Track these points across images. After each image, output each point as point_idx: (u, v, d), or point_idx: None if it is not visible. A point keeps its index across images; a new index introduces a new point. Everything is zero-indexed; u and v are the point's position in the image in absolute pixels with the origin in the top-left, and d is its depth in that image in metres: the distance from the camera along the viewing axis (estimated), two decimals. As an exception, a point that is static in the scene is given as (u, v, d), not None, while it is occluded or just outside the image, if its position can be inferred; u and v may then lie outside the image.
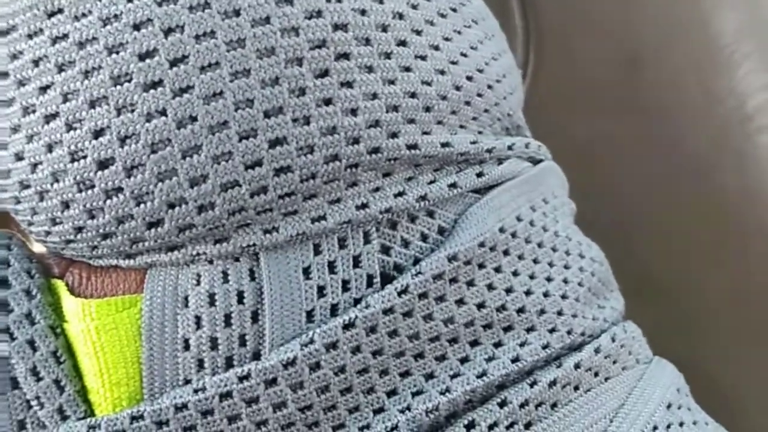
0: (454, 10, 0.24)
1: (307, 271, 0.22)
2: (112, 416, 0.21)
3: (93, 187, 0.20)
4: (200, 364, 0.21)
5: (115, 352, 0.21)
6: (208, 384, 0.21)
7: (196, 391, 0.21)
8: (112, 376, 0.21)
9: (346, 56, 0.21)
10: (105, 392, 0.21)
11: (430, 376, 0.22)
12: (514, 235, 0.24)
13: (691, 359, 0.37)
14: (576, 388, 0.24)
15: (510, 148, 0.25)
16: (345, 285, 0.22)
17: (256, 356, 0.21)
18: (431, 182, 0.23)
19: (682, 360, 0.37)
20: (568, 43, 0.37)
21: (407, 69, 0.22)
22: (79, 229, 0.21)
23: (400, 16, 0.23)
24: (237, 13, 0.20)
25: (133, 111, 0.20)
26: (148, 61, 0.20)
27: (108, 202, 0.20)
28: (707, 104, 0.35)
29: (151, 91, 0.20)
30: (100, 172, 0.20)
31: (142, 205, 0.20)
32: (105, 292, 0.22)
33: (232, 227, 0.21)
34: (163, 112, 0.20)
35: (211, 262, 0.21)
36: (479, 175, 0.24)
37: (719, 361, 0.36)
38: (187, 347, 0.21)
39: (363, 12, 0.22)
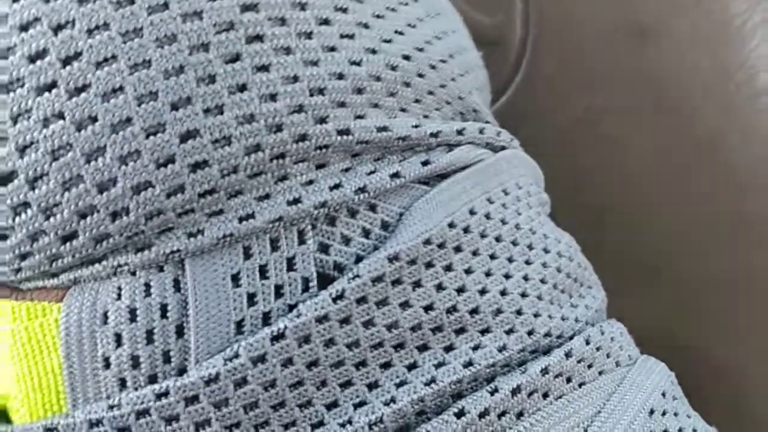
0: None
1: (236, 278, 0.20)
2: (27, 425, 0.20)
3: None
4: (122, 383, 0.20)
5: (30, 358, 0.20)
6: (124, 400, 0.20)
7: (111, 407, 0.20)
8: (30, 382, 0.20)
9: (259, 38, 0.20)
10: (23, 398, 0.20)
11: (373, 386, 0.21)
12: (466, 229, 0.22)
13: (697, 341, 0.34)
14: (545, 396, 0.22)
15: (460, 132, 0.23)
16: (278, 291, 0.20)
17: (182, 373, 0.20)
18: (371, 173, 0.21)
19: (687, 341, 0.34)
20: (571, 14, 0.34)
21: (332, 49, 0.21)
22: None
23: None
24: (132, 1, 0.19)
25: (29, 117, 0.19)
26: (39, 62, 0.19)
27: (17, 219, 0.19)
28: (714, 78, 0.32)
29: (45, 94, 0.19)
30: (3, 188, 0.19)
31: (52, 219, 0.19)
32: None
33: (152, 233, 0.20)
34: (61, 115, 0.19)
35: (134, 273, 0.20)
36: (425, 163, 0.22)
37: (727, 344, 0.34)
38: (107, 366, 0.20)
39: None
